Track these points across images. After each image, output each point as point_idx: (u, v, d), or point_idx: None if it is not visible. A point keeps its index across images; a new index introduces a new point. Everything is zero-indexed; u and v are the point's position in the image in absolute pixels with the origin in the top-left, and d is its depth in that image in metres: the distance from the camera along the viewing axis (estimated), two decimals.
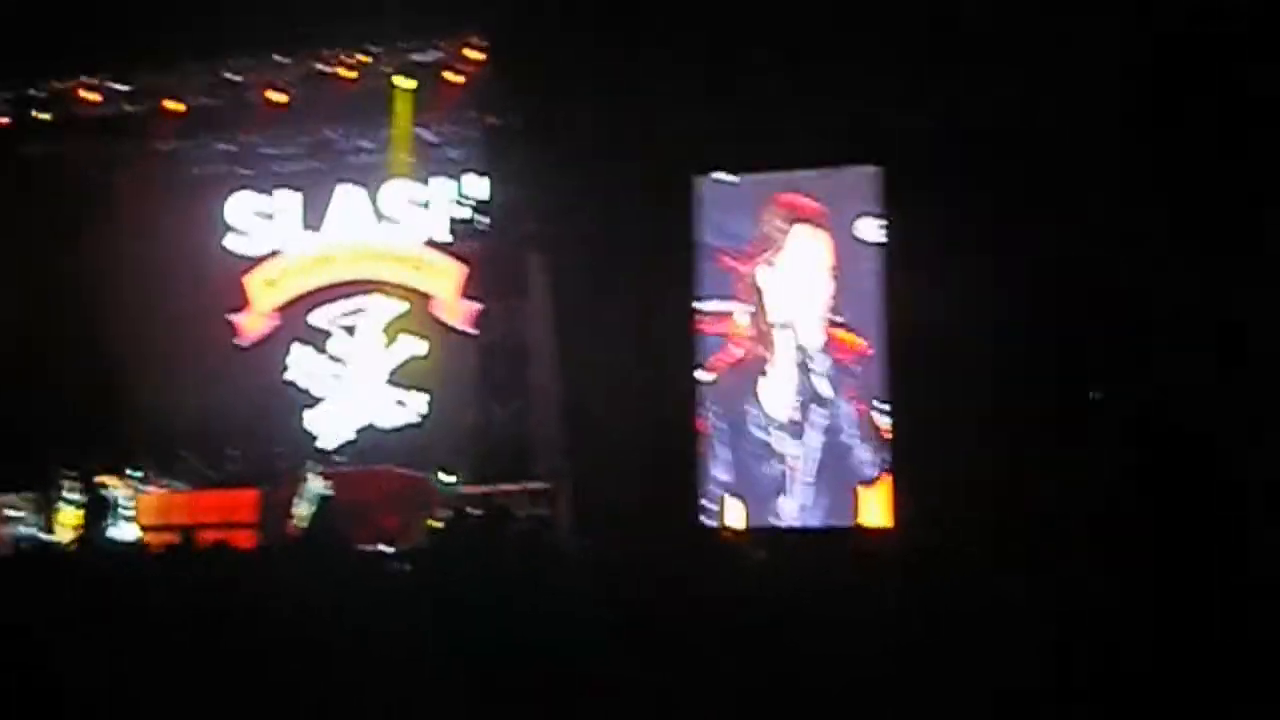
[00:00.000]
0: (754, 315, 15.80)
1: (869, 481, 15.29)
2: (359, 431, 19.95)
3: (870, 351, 15.28)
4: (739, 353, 15.80)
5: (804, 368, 15.56)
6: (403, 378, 20.06)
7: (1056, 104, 13.60)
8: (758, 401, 15.70)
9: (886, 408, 15.15)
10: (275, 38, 18.51)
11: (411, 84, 19.01)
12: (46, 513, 17.23)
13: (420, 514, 16.05)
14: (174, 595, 6.51)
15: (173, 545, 8.07)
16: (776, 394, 15.65)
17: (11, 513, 17.05)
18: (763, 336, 15.75)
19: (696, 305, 15.87)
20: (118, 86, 19.54)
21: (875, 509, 15.15)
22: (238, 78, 19.25)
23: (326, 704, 5.14)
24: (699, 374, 15.82)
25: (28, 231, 19.51)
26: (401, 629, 5.59)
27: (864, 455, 15.29)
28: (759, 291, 15.78)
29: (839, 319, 15.54)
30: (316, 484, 16.79)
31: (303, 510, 16.23)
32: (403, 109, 19.21)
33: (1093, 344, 13.66)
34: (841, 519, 15.15)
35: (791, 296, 15.72)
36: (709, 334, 15.87)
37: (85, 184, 20.20)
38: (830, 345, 15.50)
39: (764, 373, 15.73)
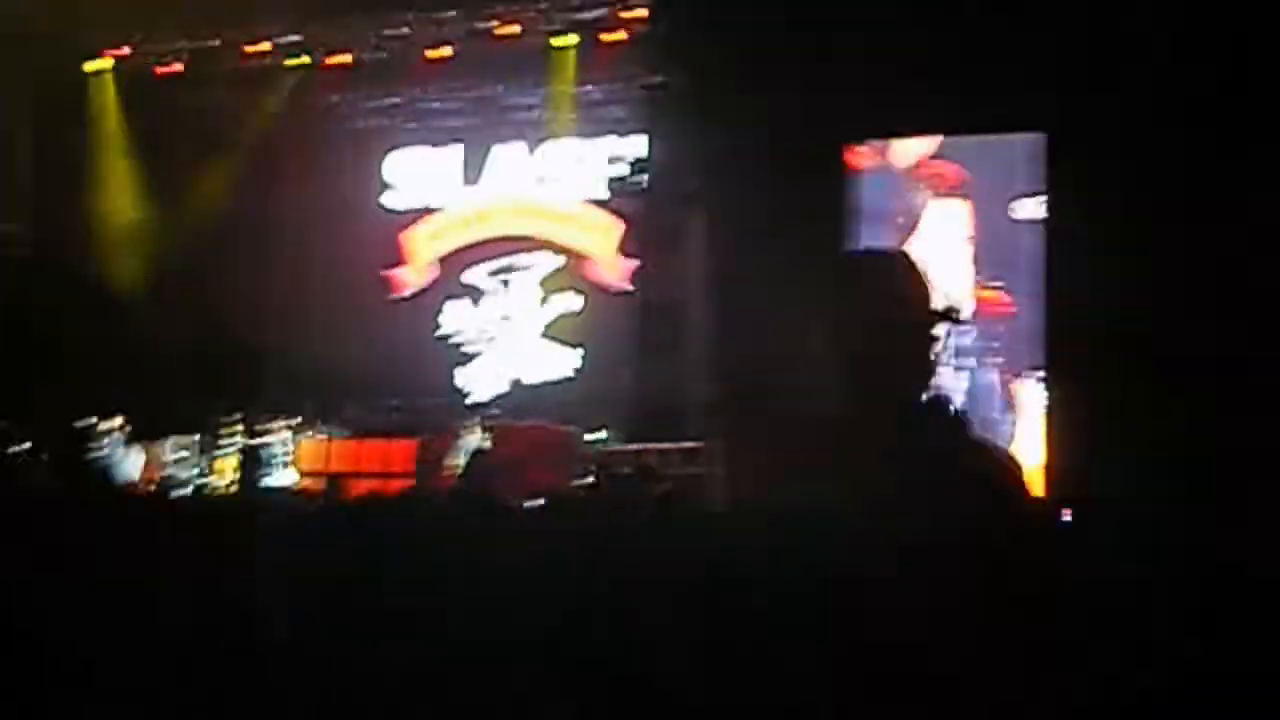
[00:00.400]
0: None
1: None
2: (510, 386, 20.13)
3: (1012, 310, 14.77)
4: None
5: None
6: (557, 333, 20.19)
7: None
8: None
9: (1041, 375, 14.64)
10: None
11: (573, 41, 19.07)
12: (206, 458, 17.58)
13: (571, 470, 16.11)
14: (323, 541, 6.60)
15: (321, 492, 8.21)
16: None
17: (173, 456, 17.41)
18: None
19: None
20: (283, 40, 19.84)
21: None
22: (401, 32, 19.45)
23: (459, 653, 5.18)
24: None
25: (193, 182, 19.94)
26: (537, 584, 5.61)
27: (1003, 428, 14.76)
28: None
29: (988, 279, 15.06)
30: (473, 436, 16.98)
31: (456, 461, 16.38)
32: (563, 66, 19.28)
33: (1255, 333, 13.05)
34: None
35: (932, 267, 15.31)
36: None
37: (249, 135, 20.51)
38: (976, 310, 15.00)
39: None
